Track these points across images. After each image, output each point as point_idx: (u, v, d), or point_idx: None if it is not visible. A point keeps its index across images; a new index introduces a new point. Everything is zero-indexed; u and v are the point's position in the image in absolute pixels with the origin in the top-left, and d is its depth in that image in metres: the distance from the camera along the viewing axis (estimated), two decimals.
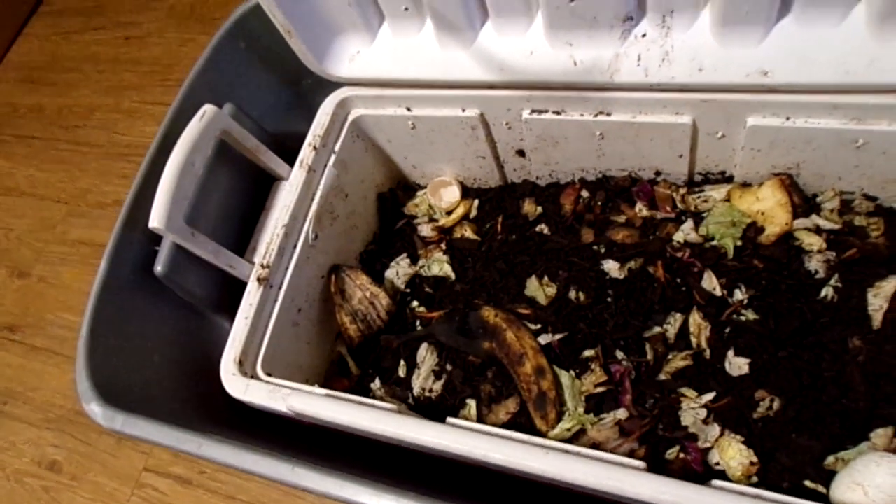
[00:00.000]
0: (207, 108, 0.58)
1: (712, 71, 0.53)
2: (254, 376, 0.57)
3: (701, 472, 0.53)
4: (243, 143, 0.63)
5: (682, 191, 0.65)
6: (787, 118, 0.54)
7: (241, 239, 0.64)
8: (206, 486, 0.91)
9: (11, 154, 1.42)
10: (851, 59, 0.48)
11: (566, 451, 0.45)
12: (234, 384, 0.55)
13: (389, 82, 0.65)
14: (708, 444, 0.54)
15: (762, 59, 0.51)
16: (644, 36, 0.54)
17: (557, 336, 0.61)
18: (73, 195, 1.30)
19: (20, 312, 1.18)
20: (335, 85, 0.67)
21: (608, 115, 0.60)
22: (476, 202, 0.75)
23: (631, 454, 0.54)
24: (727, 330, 0.58)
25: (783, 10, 0.50)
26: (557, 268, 0.65)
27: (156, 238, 0.59)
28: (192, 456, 0.47)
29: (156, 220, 0.54)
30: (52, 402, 1.06)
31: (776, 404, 0.54)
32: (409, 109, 0.67)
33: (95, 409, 0.51)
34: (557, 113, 0.61)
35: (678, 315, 0.59)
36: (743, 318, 0.57)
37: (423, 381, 0.65)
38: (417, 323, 0.69)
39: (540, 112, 0.62)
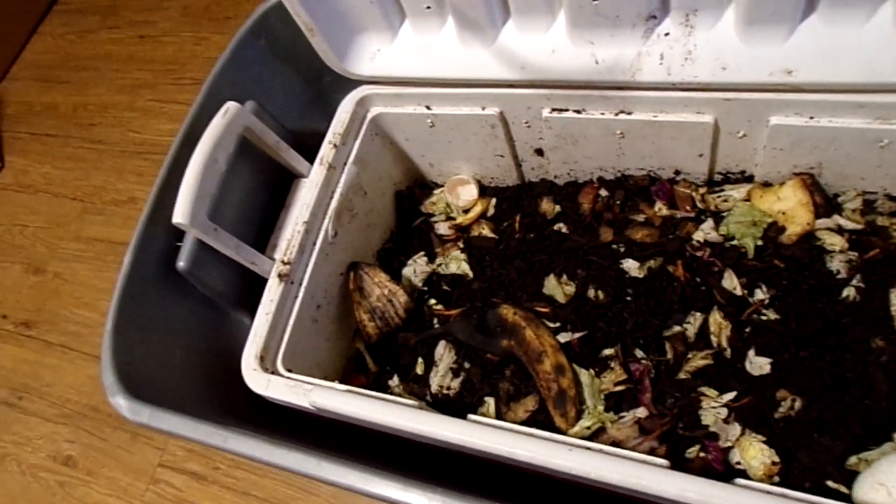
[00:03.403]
0: (230, 105, 0.59)
1: (736, 70, 0.53)
2: (274, 372, 0.57)
3: (722, 472, 0.53)
4: (265, 140, 0.63)
5: (702, 190, 0.65)
6: (811, 117, 0.54)
7: (262, 236, 0.65)
8: (221, 483, 0.91)
9: (27, 151, 1.43)
10: (877, 57, 0.48)
11: (589, 449, 0.45)
12: (256, 379, 0.56)
13: (409, 80, 0.65)
14: (729, 444, 0.54)
15: (786, 57, 0.51)
16: (667, 35, 0.54)
17: (577, 334, 0.61)
18: (88, 193, 1.31)
19: (35, 309, 1.19)
20: (355, 83, 0.67)
21: (629, 113, 0.60)
22: (493, 201, 0.75)
23: (651, 452, 0.54)
24: (748, 329, 0.58)
25: (808, 9, 0.49)
26: (576, 266, 0.65)
27: (178, 234, 0.60)
28: (218, 449, 0.47)
29: (179, 216, 0.54)
30: (66, 398, 1.07)
31: (798, 404, 0.53)
32: (428, 108, 0.67)
33: (121, 403, 0.51)
34: (578, 112, 0.62)
35: (698, 314, 0.59)
36: (764, 317, 0.57)
37: (441, 378, 0.65)
38: (435, 321, 0.69)
39: (560, 111, 0.62)
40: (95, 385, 1.07)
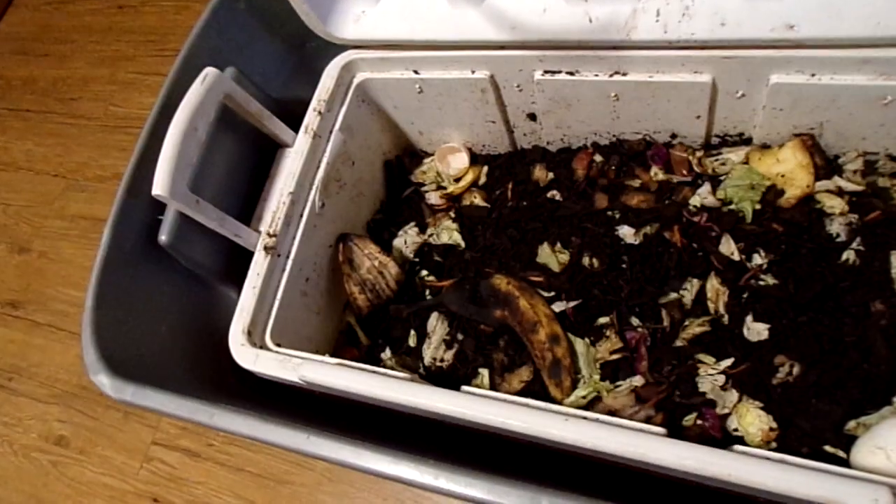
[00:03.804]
0: (209, 71, 0.56)
1: (735, 26, 0.51)
2: (263, 346, 0.56)
3: (720, 439, 0.52)
4: (247, 109, 0.61)
5: (699, 154, 0.63)
6: (813, 75, 0.52)
7: (247, 207, 0.63)
8: (215, 459, 0.90)
9: (6, 128, 1.40)
10: (883, 10, 0.46)
11: (585, 418, 0.44)
12: (244, 354, 0.54)
13: (396, 43, 0.63)
14: (726, 411, 0.53)
15: (788, 11, 0.49)
16: None
17: (571, 303, 0.60)
18: (71, 169, 1.28)
19: (21, 288, 1.17)
20: (339, 47, 0.65)
21: (624, 74, 0.58)
22: (485, 169, 0.73)
23: (648, 421, 0.54)
24: (745, 295, 0.56)
25: None
26: (570, 234, 0.64)
27: (159, 207, 0.58)
28: (203, 426, 0.46)
29: (159, 188, 0.52)
30: (56, 378, 1.06)
31: (796, 369, 0.53)
32: (416, 72, 0.65)
33: (104, 381, 0.50)
34: (571, 73, 0.59)
35: (695, 280, 0.58)
36: (762, 282, 0.56)
37: (435, 350, 0.64)
38: (427, 292, 0.68)
39: (553, 73, 0.60)
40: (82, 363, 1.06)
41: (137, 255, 0.59)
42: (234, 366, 0.54)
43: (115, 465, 0.95)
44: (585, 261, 0.62)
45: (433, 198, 0.73)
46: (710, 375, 0.54)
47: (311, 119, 0.64)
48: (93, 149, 1.29)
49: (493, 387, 0.60)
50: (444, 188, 0.73)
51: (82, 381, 1.04)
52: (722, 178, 0.62)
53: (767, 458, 0.41)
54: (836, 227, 0.56)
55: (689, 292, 0.58)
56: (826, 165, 0.58)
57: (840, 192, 0.57)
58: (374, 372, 0.50)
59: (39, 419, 1.03)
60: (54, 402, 1.03)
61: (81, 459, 0.97)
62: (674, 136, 0.64)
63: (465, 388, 0.50)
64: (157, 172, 0.53)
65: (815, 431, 0.51)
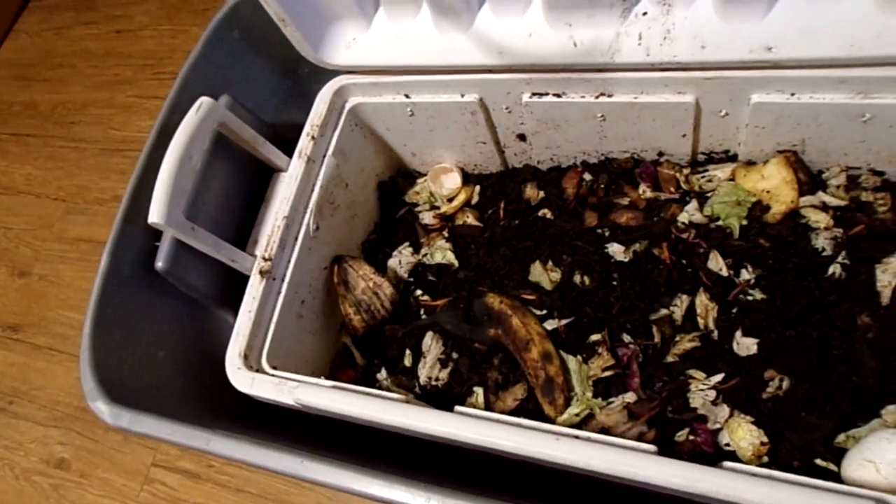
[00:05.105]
0: (204, 101, 0.57)
1: (715, 48, 0.52)
2: (259, 370, 0.57)
3: (711, 454, 0.53)
4: (241, 135, 0.62)
5: (686, 171, 0.64)
6: (792, 94, 0.53)
7: (242, 232, 0.64)
8: (215, 480, 0.91)
9: (7, 152, 1.41)
10: (857, 31, 0.47)
11: (576, 437, 0.45)
12: (240, 378, 0.55)
13: (387, 69, 0.64)
14: (717, 426, 0.54)
15: (766, 34, 0.50)
16: (645, 14, 0.53)
17: (563, 321, 0.60)
18: (71, 192, 1.30)
19: (22, 312, 1.18)
20: (332, 73, 0.66)
21: (609, 96, 0.59)
22: (477, 188, 0.74)
23: (640, 437, 0.54)
24: (734, 310, 0.57)
25: None
26: (561, 252, 0.65)
27: (156, 233, 0.59)
28: (200, 452, 0.46)
29: (155, 216, 0.53)
30: (57, 400, 1.06)
31: (785, 383, 0.53)
32: (407, 96, 0.66)
33: (102, 408, 0.51)
34: (558, 95, 0.61)
35: (685, 297, 0.59)
36: (750, 297, 0.57)
37: (430, 369, 0.64)
38: (422, 311, 0.69)
39: (540, 95, 0.61)
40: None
41: (135, 281, 0.59)
42: (231, 388, 0.55)
43: (115, 488, 0.95)
44: (577, 278, 0.63)
45: (427, 218, 0.74)
46: (701, 391, 0.55)
47: (304, 144, 0.65)
48: (92, 172, 1.31)
49: (487, 405, 0.60)
50: (438, 208, 0.74)
51: (82, 404, 1.04)
52: (709, 194, 0.63)
53: (756, 475, 0.41)
54: (822, 242, 0.57)
55: (678, 308, 0.59)
56: (810, 181, 0.59)
57: (824, 207, 0.58)
58: (368, 394, 0.51)
59: (40, 442, 1.03)
60: (55, 425, 1.04)
61: (82, 482, 0.97)
62: (661, 154, 0.65)
63: (458, 408, 0.51)
64: (153, 201, 0.54)
65: (806, 445, 0.51)
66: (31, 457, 1.02)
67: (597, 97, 0.59)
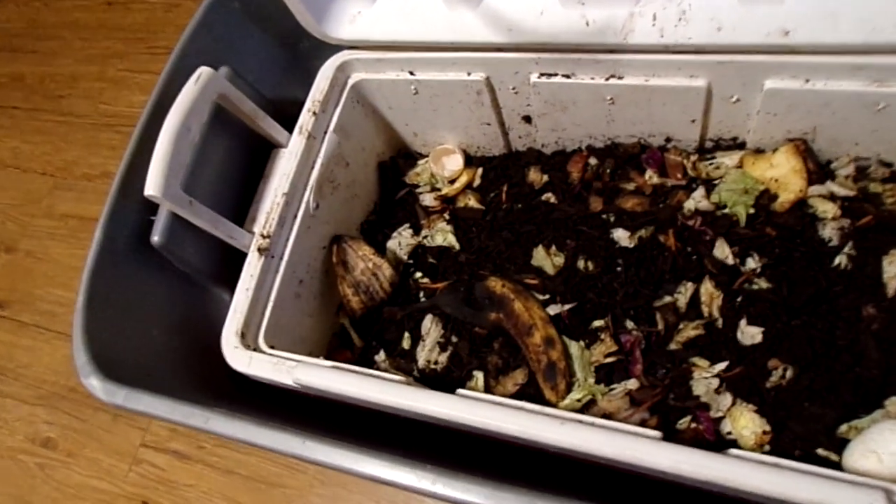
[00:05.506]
0: (203, 71, 0.56)
1: (731, 30, 0.51)
2: (256, 349, 0.55)
3: (713, 442, 0.53)
4: (241, 108, 0.60)
5: (693, 157, 0.63)
6: (807, 80, 0.52)
7: (240, 208, 0.62)
8: (205, 461, 0.90)
9: None
10: (878, 17, 0.46)
11: (580, 422, 0.44)
12: (237, 357, 0.54)
13: (392, 44, 0.62)
14: (720, 414, 0.53)
15: (784, 17, 0.49)
16: None
17: (566, 306, 0.59)
18: (59, 168, 1.27)
19: (8, 288, 1.15)
20: (334, 47, 0.64)
21: (620, 78, 0.58)
22: (480, 171, 0.73)
23: (642, 424, 0.54)
24: (739, 299, 0.57)
25: None
26: (565, 237, 0.64)
27: (152, 207, 0.57)
28: (198, 430, 0.45)
29: (151, 188, 0.52)
30: (43, 379, 1.04)
31: (789, 373, 0.53)
32: (411, 73, 0.64)
33: (95, 384, 0.49)
34: (567, 76, 0.59)
35: (689, 284, 0.58)
36: (755, 286, 0.57)
37: (429, 353, 0.63)
38: (421, 294, 0.67)
39: (549, 76, 0.60)
40: (72, 363, 1.05)
41: (129, 256, 0.58)
42: (226, 368, 0.54)
43: (103, 468, 0.94)
44: (580, 264, 0.62)
45: (427, 199, 0.73)
46: (705, 379, 0.55)
47: (305, 120, 0.63)
48: (81, 147, 1.28)
49: (487, 389, 0.60)
50: (439, 190, 0.73)
51: (70, 383, 1.03)
52: (716, 182, 0.62)
53: (762, 462, 0.41)
54: (829, 232, 0.57)
55: (683, 296, 0.58)
56: (818, 170, 0.59)
57: (832, 197, 0.58)
58: (368, 375, 0.50)
59: (26, 421, 1.01)
60: (41, 404, 1.02)
61: (69, 462, 0.96)
62: (668, 139, 0.64)
63: (460, 391, 0.50)
64: (149, 173, 0.52)
65: (809, 435, 0.51)
66: (17, 435, 1.00)
67: (607, 79, 0.58)
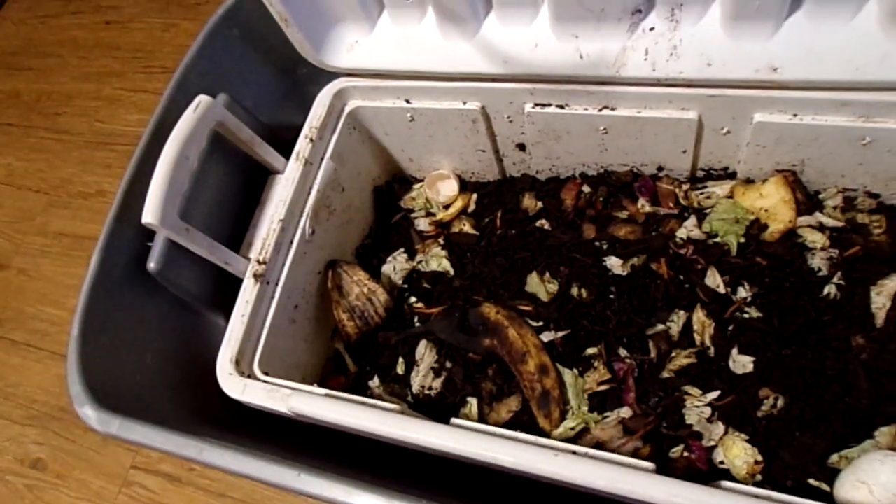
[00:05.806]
0: (202, 99, 0.56)
1: (721, 66, 0.52)
2: (251, 376, 0.56)
3: (706, 471, 0.53)
4: (238, 136, 0.61)
5: (685, 187, 0.64)
6: (795, 115, 0.54)
7: (236, 234, 0.63)
8: (196, 484, 0.89)
9: None
10: (862, 55, 0.48)
11: (574, 453, 0.44)
12: (232, 384, 0.54)
13: (388, 73, 0.63)
14: (712, 443, 0.54)
15: (772, 54, 0.50)
16: (652, 29, 0.53)
17: (560, 333, 0.60)
18: (54, 185, 1.27)
19: None
20: (332, 75, 0.65)
21: (613, 109, 0.59)
22: (474, 196, 0.74)
23: (635, 453, 0.54)
24: (731, 328, 0.57)
25: (794, 6, 0.49)
26: (559, 264, 0.64)
27: (149, 233, 0.57)
28: (192, 461, 0.45)
29: (149, 216, 0.52)
30: (33, 399, 1.03)
31: (780, 402, 0.54)
32: (408, 101, 0.65)
33: (90, 413, 0.49)
34: (561, 107, 0.60)
35: (682, 312, 0.59)
36: (746, 315, 0.57)
37: (423, 378, 0.64)
38: (416, 319, 0.68)
39: (543, 106, 0.61)
40: (64, 385, 1.04)
41: (126, 282, 0.58)
42: (221, 394, 0.54)
43: (93, 490, 0.93)
44: (574, 291, 0.62)
45: (422, 224, 0.73)
46: (697, 407, 0.55)
47: (302, 146, 0.64)
48: (76, 165, 1.28)
49: (481, 416, 0.60)
50: (434, 215, 0.74)
51: (60, 402, 1.02)
52: (707, 211, 0.63)
53: (755, 496, 0.41)
54: (818, 262, 0.58)
55: (675, 324, 0.59)
56: (807, 201, 0.60)
57: (821, 228, 0.59)
58: (362, 404, 0.50)
59: (15, 441, 1.00)
60: (31, 424, 1.01)
61: (58, 483, 0.95)
62: (660, 168, 0.65)
63: (454, 420, 0.50)
64: (147, 200, 0.52)
65: (800, 464, 0.51)
66: (6, 455, 0.99)
67: (600, 110, 0.59)
